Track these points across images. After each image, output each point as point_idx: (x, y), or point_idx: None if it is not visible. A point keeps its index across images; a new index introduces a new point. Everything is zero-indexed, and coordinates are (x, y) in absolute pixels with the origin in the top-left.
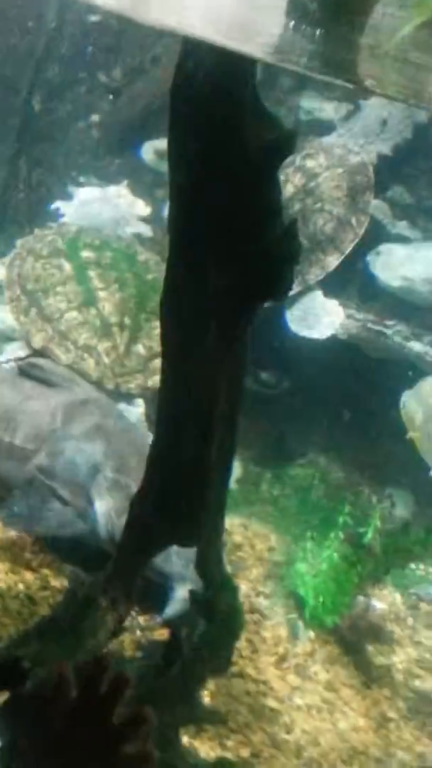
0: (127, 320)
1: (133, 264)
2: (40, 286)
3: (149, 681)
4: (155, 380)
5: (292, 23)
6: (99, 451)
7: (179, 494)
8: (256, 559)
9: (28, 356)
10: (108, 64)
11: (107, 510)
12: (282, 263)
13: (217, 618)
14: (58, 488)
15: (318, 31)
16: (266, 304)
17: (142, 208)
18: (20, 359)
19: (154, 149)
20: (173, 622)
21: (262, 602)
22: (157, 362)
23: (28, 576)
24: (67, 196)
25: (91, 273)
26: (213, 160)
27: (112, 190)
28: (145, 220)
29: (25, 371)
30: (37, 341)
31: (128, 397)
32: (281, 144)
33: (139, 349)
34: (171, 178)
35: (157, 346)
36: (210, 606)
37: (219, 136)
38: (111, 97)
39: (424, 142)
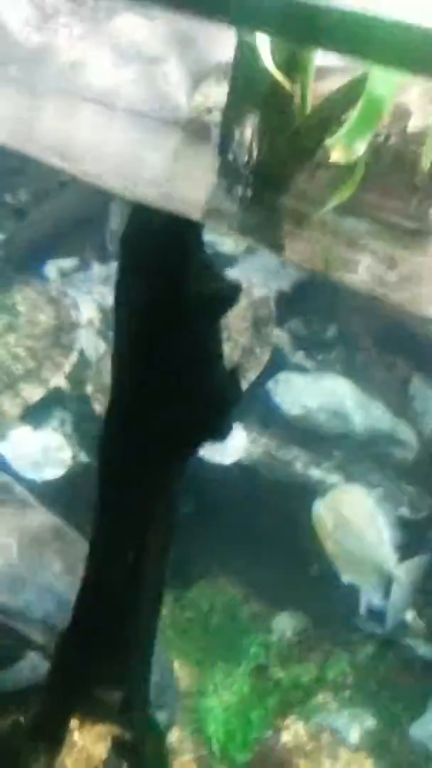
0: None
1: None
2: None
3: None
4: None
5: (224, 183)
6: (67, 583)
7: (105, 635)
8: None
9: None
10: (14, 186)
11: None
12: (222, 406)
13: (143, 762)
14: (24, 630)
15: (249, 195)
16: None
17: None
18: None
19: (57, 268)
20: None
21: (170, 737)
22: None
23: None
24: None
25: None
26: (158, 308)
27: None
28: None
29: None
30: None
31: None
32: (224, 296)
33: None
34: (115, 321)
35: None
36: (136, 753)
37: (164, 285)
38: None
39: (319, 281)
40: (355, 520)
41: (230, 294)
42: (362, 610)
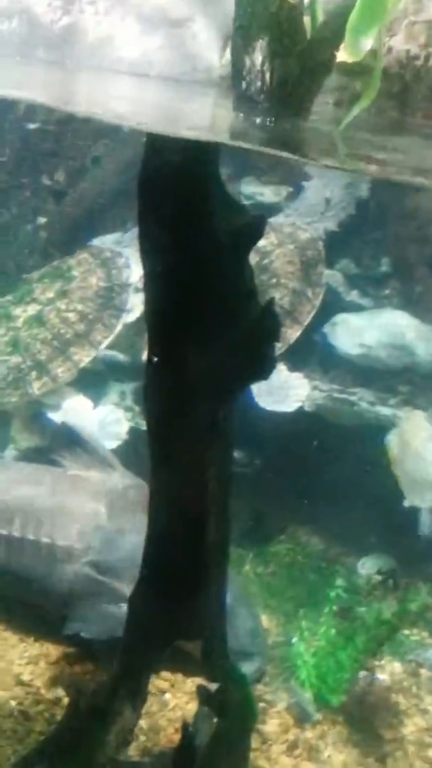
0: None
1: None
2: None
3: None
4: None
5: (241, 115)
6: None
7: (179, 586)
8: None
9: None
10: (50, 168)
11: None
12: (262, 343)
13: (229, 712)
14: (116, 584)
15: (269, 120)
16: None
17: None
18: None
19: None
20: (185, 723)
21: (263, 687)
22: None
23: (20, 691)
24: None
25: None
26: (185, 248)
27: None
28: None
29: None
30: None
31: None
32: (250, 229)
33: None
34: (145, 267)
35: None
36: (220, 700)
37: (189, 225)
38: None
39: (366, 216)
40: (414, 442)
41: (254, 228)
42: (423, 529)
